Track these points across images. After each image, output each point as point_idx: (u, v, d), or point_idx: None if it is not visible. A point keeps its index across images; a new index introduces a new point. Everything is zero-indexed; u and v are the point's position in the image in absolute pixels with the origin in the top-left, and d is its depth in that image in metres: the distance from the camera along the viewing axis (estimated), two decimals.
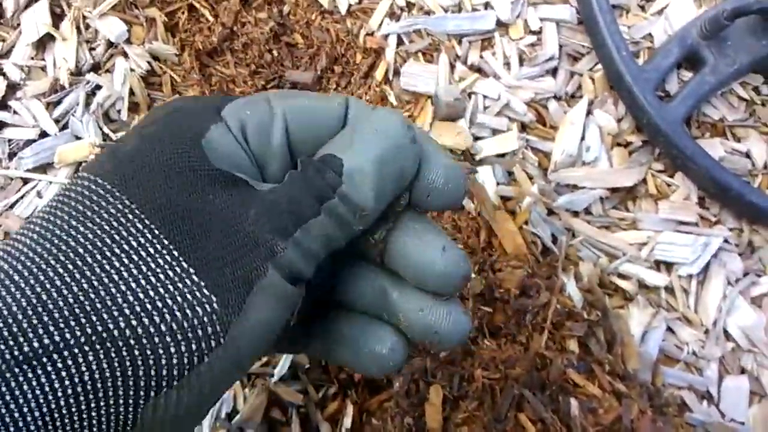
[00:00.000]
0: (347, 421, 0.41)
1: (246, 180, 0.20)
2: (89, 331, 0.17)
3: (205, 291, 0.18)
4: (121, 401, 0.17)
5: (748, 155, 0.51)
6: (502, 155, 0.50)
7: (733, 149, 0.51)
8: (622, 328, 0.44)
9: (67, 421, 0.16)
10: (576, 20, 0.54)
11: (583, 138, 0.50)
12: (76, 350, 0.16)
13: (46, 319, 0.16)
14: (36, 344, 0.16)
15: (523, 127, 0.51)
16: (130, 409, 0.17)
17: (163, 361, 0.17)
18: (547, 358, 0.42)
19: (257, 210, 0.20)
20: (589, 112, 0.52)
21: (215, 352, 0.18)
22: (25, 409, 0.15)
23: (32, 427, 0.16)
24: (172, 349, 0.17)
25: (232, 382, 0.20)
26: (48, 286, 0.17)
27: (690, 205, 0.49)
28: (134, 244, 0.18)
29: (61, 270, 0.17)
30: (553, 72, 0.53)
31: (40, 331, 0.16)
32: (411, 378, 0.41)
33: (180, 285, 0.18)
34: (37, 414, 0.16)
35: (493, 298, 0.44)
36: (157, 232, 0.18)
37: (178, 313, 0.18)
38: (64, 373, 0.16)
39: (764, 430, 0.43)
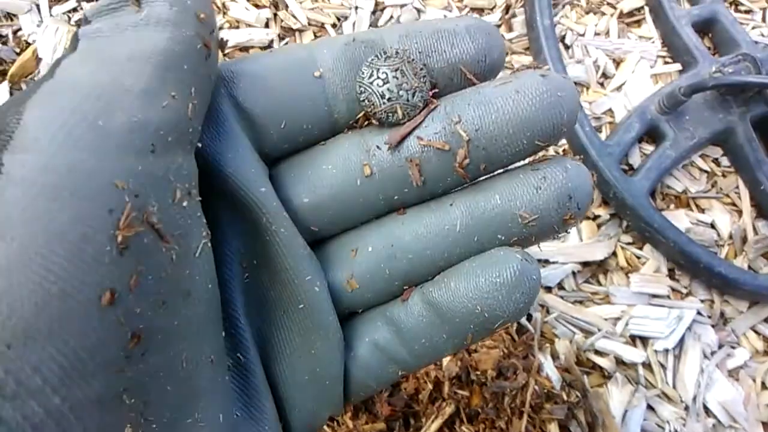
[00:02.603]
0: None
1: None
2: None
3: None
4: None
5: (713, 226, 0.52)
6: None
7: (698, 220, 0.52)
8: (602, 409, 0.43)
9: None
10: None
11: None
12: None
13: None
14: None
15: None
16: None
17: None
18: None
19: None
20: None
21: None
22: None
23: None
24: None
25: None
26: None
27: (661, 277, 0.49)
28: None
29: None
30: None
31: None
32: None
33: None
34: None
35: (470, 380, 0.43)
36: None
37: None
38: None
39: None
